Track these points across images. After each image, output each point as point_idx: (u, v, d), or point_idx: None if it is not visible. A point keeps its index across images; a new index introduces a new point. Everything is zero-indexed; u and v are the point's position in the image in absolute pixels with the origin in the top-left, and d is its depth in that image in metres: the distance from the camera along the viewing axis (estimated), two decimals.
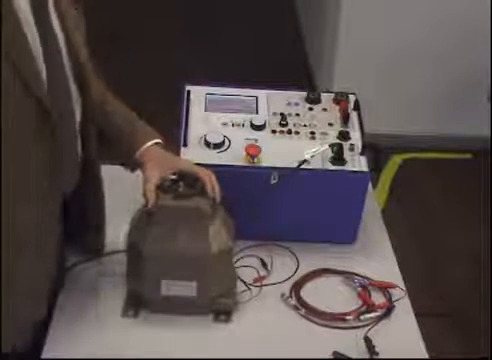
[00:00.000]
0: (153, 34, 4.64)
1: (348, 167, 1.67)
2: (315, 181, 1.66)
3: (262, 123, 1.73)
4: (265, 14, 5.00)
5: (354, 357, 1.49)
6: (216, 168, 1.62)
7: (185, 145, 1.68)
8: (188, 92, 1.81)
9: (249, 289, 1.62)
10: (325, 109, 1.80)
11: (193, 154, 1.66)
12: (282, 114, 1.77)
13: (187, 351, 1.49)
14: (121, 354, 1.47)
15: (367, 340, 1.52)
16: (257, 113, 1.78)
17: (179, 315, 1.55)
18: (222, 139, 1.68)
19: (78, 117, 1.40)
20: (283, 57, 4.47)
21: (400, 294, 1.64)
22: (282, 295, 1.62)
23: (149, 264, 1.49)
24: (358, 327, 1.56)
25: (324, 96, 1.83)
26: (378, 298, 1.63)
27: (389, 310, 1.60)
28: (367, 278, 1.66)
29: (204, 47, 4.52)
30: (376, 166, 3.61)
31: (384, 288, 1.65)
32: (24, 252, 1.33)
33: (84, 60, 1.38)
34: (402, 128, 3.83)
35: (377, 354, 1.49)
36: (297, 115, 1.78)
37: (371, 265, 1.71)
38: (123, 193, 1.78)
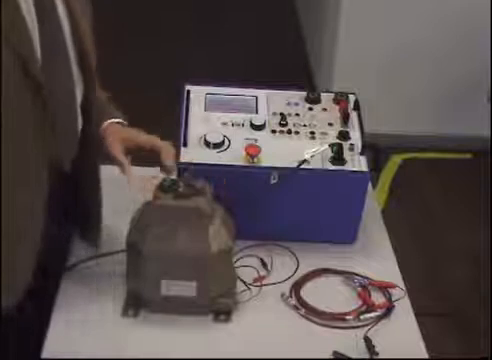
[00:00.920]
0: (153, 34, 4.64)
1: (348, 167, 1.67)
2: (315, 181, 1.66)
3: (262, 123, 1.73)
4: (265, 14, 5.00)
5: (354, 357, 1.49)
6: (216, 168, 1.63)
7: (185, 145, 1.68)
8: (188, 92, 1.81)
9: (249, 289, 1.62)
10: (325, 109, 1.80)
11: (193, 154, 1.66)
12: (282, 114, 1.77)
13: (187, 351, 1.49)
14: (121, 354, 1.47)
15: (367, 340, 1.52)
16: (257, 113, 1.78)
17: (179, 315, 1.55)
18: (222, 139, 1.68)
19: (79, 97, 1.42)
20: (283, 57, 4.47)
21: (400, 294, 1.64)
22: (282, 295, 1.62)
23: (149, 264, 1.49)
24: (358, 327, 1.56)
25: (324, 96, 1.83)
26: (378, 298, 1.63)
27: (389, 310, 1.60)
28: (367, 278, 1.66)
29: (204, 47, 4.52)
30: (376, 166, 3.61)
31: (384, 288, 1.65)
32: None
33: (88, 46, 1.40)
34: (402, 128, 3.83)
35: (377, 354, 1.49)
36: (297, 115, 1.78)
37: (371, 265, 1.71)
38: (123, 193, 1.78)
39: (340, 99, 1.81)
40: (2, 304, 1.36)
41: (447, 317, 2.90)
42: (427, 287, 2.99)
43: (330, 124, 1.76)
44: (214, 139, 1.68)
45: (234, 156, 1.66)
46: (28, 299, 1.43)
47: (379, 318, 1.58)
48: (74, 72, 1.38)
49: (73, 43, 1.36)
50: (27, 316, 1.48)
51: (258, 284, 1.63)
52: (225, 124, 1.74)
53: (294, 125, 1.75)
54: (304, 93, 1.83)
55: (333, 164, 1.67)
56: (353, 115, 1.78)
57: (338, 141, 1.71)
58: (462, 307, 2.95)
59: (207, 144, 1.68)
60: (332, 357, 1.50)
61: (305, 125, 1.75)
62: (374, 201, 1.92)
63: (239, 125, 1.74)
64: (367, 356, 1.50)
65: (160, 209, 1.47)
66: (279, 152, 1.67)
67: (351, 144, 1.71)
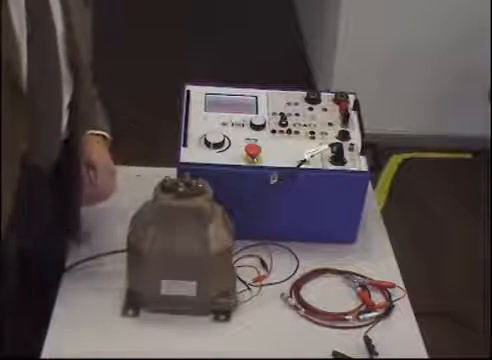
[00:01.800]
0: (154, 33, 4.64)
1: (348, 167, 1.67)
2: (315, 181, 1.66)
3: (262, 123, 1.74)
4: (265, 14, 5.00)
5: (354, 357, 1.49)
6: (216, 168, 1.63)
7: (185, 145, 1.68)
8: (188, 92, 1.81)
9: (249, 289, 1.62)
10: (325, 109, 1.80)
11: (193, 154, 1.66)
12: (282, 114, 1.77)
13: (187, 351, 1.49)
14: (121, 354, 1.47)
15: (367, 340, 1.52)
16: (257, 113, 1.78)
17: (179, 315, 1.55)
18: (222, 139, 1.68)
19: (67, 97, 1.42)
20: (283, 57, 4.47)
21: (400, 294, 1.64)
22: (282, 295, 1.62)
23: (149, 264, 1.49)
24: (358, 327, 1.56)
25: (324, 96, 1.83)
26: (378, 298, 1.63)
27: (389, 310, 1.60)
28: (367, 278, 1.66)
29: (205, 47, 4.52)
30: (376, 166, 3.61)
31: (384, 288, 1.65)
32: None
33: (82, 48, 1.41)
34: (402, 128, 3.83)
35: (377, 354, 1.49)
36: (297, 115, 1.78)
37: (371, 265, 1.71)
38: (123, 193, 1.78)
39: (340, 99, 1.81)
40: None
41: (447, 317, 2.89)
42: (427, 287, 2.99)
43: (330, 124, 1.76)
44: (214, 139, 1.68)
45: (234, 156, 1.66)
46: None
47: (379, 318, 1.58)
48: (63, 72, 1.38)
49: (65, 44, 1.36)
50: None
51: (258, 284, 1.63)
52: (225, 124, 1.74)
53: (294, 125, 1.75)
54: (304, 93, 1.83)
55: (333, 164, 1.67)
56: (353, 115, 1.78)
57: (338, 141, 1.71)
58: (462, 307, 2.95)
59: (207, 144, 1.68)
60: (332, 357, 1.50)
61: (305, 125, 1.75)
62: (374, 201, 1.92)
63: (239, 125, 1.74)
64: (367, 356, 1.50)
65: (160, 209, 1.47)
66: (279, 152, 1.67)
67: (351, 144, 1.71)
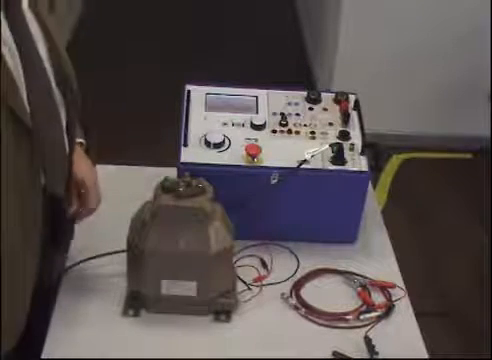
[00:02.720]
0: (154, 33, 4.64)
1: (348, 167, 1.67)
2: (315, 181, 1.66)
3: (262, 123, 1.73)
4: (266, 14, 5.00)
5: (354, 357, 1.49)
6: (216, 168, 1.63)
7: (185, 145, 1.68)
8: (188, 92, 1.81)
9: (249, 289, 1.62)
10: (325, 109, 1.80)
11: (193, 154, 1.66)
12: (282, 114, 1.77)
13: (187, 351, 1.49)
14: (121, 354, 1.47)
15: (367, 340, 1.52)
16: (257, 113, 1.78)
17: (179, 315, 1.55)
18: (222, 139, 1.68)
19: (64, 119, 1.40)
20: (283, 57, 4.47)
21: (400, 294, 1.64)
22: (282, 295, 1.62)
23: (149, 264, 1.49)
24: (358, 327, 1.56)
25: (324, 96, 1.83)
26: (378, 298, 1.63)
27: (389, 310, 1.60)
28: (367, 278, 1.66)
29: (205, 47, 4.53)
30: (376, 166, 3.61)
31: (384, 288, 1.65)
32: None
33: (68, 69, 1.40)
34: (402, 128, 3.83)
35: (377, 354, 1.49)
36: (297, 115, 1.78)
37: (371, 265, 1.71)
38: (123, 193, 1.78)
39: (340, 99, 1.81)
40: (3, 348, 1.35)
41: (447, 317, 2.89)
42: (427, 287, 2.99)
43: (330, 124, 1.76)
44: (214, 139, 1.68)
45: (234, 156, 1.66)
46: None
47: (379, 318, 1.58)
48: (56, 94, 1.37)
49: (52, 67, 1.35)
50: None
51: (258, 284, 1.63)
52: (225, 124, 1.74)
53: (294, 125, 1.75)
54: (304, 93, 1.83)
55: (333, 164, 1.67)
56: (353, 115, 1.78)
57: (338, 141, 1.71)
58: (462, 307, 2.95)
59: (207, 144, 1.68)
60: (332, 357, 1.50)
61: (305, 125, 1.75)
62: (374, 201, 1.92)
63: (239, 125, 1.74)
64: (367, 356, 1.50)
65: (160, 209, 1.47)
66: (279, 152, 1.67)
67: (351, 144, 1.71)
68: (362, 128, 1.75)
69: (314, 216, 1.71)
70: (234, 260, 1.62)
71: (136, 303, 1.56)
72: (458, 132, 3.82)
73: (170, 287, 1.51)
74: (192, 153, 1.66)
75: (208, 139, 1.68)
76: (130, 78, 4.10)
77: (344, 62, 3.70)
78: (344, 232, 1.75)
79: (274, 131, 1.73)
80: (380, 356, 1.49)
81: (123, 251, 1.56)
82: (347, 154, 1.68)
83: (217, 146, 1.68)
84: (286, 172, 1.64)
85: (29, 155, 1.29)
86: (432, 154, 3.83)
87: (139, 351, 1.48)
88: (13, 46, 1.24)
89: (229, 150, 1.68)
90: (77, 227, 1.61)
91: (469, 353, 2.72)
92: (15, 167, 1.27)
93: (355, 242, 1.77)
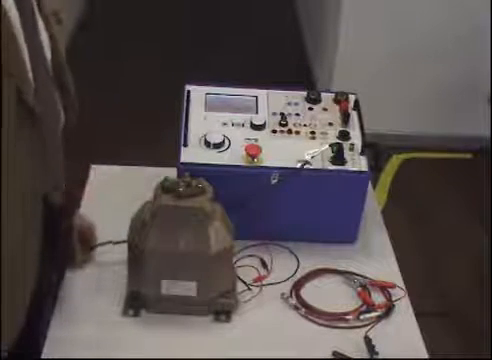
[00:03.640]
0: (154, 33, 4.65)
1: (348, 167, 1.67)
2: (315, 181, 1.66)
3: (262, 123, 1.73)
4: (265, 14, 5.00)
5: (354, 357, 1.49)
6: (216, 168, 1.63)
7: (185, 145, 1.68)
8: (188, 92, 1.81)
9: (249, 289, 1.62)
10: (325, 109, 1.80)
11: (193, 154, 1.66)
12: (282, 114, 1.77)
13: (187, 351, 1.49)
14: (121, 354, 1.47)
15: (367, 340, 1.52)
16: (257, 113, 1.78)
17: (179, 315, 1.55)
18: (222, 139, 1.68)
19: (63, 119, 1.41)
20: (283, 57, 4.47)
21: (400, 294, 1.64)
22: (282, 295, 1.62)
23: (149, 264, 1.49)
24: (358, 327, 1.56)
25: (324, 96, 1.83)
26: (378, 298, 1.63)
27: (389, 310, 1.60)
28: (367, 278, 1.66)
29: (205, 47, 4.53)
30: (376, 166, 3.61)
31: (384, 288, 1.65)
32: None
33: (64, 63, 1.40)
34: (402, 128, 3.83)
35: (377, 354, 1.49)
36: (297, 115, 1.78)
37: (371, 265, 1.71)
38: (123, 193, 1.78)
39: (340, 99, 1.81)
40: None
41: (447, 317, 2.89)
42: (427, 287, 2.99)
43: (330, 124, 1.76)
44: (214, 139, 1.68)
45: (234, 156, 1.66)
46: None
47: (379, 318, 1.58)
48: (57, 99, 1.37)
49: (53, 70, 1.35)
50: None
51: (258, 284, 1.63)
52: (225, 124, 1.74)
53: (294, 125, 1.75)
54: (304, 93, 1.83)
55: (333, 164, 1.67)
56: (353, 115, 1.78)
57: (338, 141, 1.71)
58: (462, 307, 2.95)
59: (207, 144, 1.68)
60: (332, 357, 1.50)
61: (305, 125, 1.75)
62: (374, 201, 1.92)
63: (239, 125, 1.74)
64: (367, 356, 1.50)
65: (160, 209, 1.47)
66: (279, 152, 1.67)
67: (351, 144, 1.71)
68: (362, 128, 1.75)
69: (314, 216, 1.71)
70: (234, 260, 1.62)
71: (136, 303, 1.56)
72: (458, 132, 3.82)
73: (170, 287, 1.51)
74: (192, 153, 1.66)
75: (208, 139, 1.68)
76: (130, 78, 4.10)
77: (344, 62, 3.70)
78: (344, 232, 1.75)
79: (274, 131, 1.73)
80: (380, 356, 1.49)
81: (124, 242, 1.55)
82: (347, 154, 1.68)
83: (217, 146, 1.68)
84: (286, 172, 1.64)
85: (30, 143, 1.28)
86: (432, 154, 3.83)
87: (139, 351, 1.48)
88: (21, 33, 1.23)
89: (229, 150, 1.68)
90: None
91: (469, 353, 2.72)
92: (16, 153, 1.25)
93: (355, 242, 1.77)
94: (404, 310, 1.62)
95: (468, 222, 3.38)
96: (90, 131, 2.92)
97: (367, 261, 1.73)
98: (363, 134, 1.73)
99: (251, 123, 1.74)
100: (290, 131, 1.73)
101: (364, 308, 1.60)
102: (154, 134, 3.51)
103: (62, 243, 1.53)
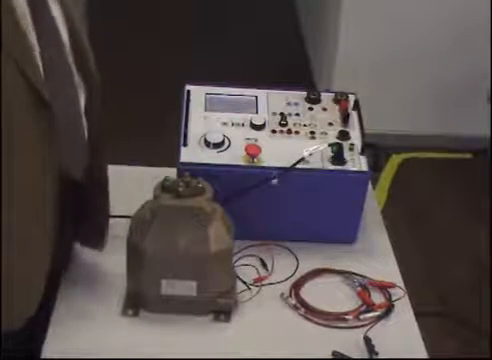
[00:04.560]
0: (154, 33, 4.64)
1: (348, 167, 1.67)
2: (315, 181, 1.66)
3: (262, 123, 1.73)
4: (265, 14, 5.00)
5: (354, 357, 1.49)
6: (216, 168, 1.63)
7: (185, 145, 1.68)
8: (188, 92, 1.81)
9: (249, 289, 1.62)
10: (325, 109, 1.80)
11: (193, 154, 1.66)
12: (282, 114, 1.77)
13: (187, 351, 1.49)
14: (121, 354, 1.47)
15: (367, 340, 1.52)
16: (257, 113, 1.78)
17: (179, 315, 1.55)
18: (222, 139, 1.68)
19: (82, 102, 1.39)
20: (283, 57, 4.47)
21: (400, 294, 1.64)
22: (282, 295, 1.62)
23: (149, 264, 1.49)
24: (358, 327, 1.56)
25: (324, 96, 1.83)
26: (378, 298, 1.63)
27: (389, 310, 1.60)
28: (367, 278, 1.66)
29: (205, 47, 4.53)
30: (376, 166, 3.61)
31: (384, 288, 1.65)
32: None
33: (88, 52, 1.38)
34: (402, 128, 3.83)
35: (377, 354, 1.49)
36: (297, 115, 1.78)
37: (371, 265, 1.71)
38: (123, 193, 1.78)
39: (340, 99, 1.81)
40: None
41: (447, 317, 2.90)
42: (427, 287, 2.99)
43: (330, 124, 1.76)
44: (214, 139, 1.68)
45: (234, 156, 1.66)
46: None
47: (379, 318, 1.58)
48: (75, 79, 1.36)
49: (72, 50, 1.34)
50: None
51: (258, 284, 1.63)
52: (225, 124, 1.74)
53: (294, 125, 1.75)
54: (304, 93, 1.83)
55: (333, 164, 1.67)
56: (353, 115, 1.78)
57: (338, 141, 1.71)
58: (462, 307, 2.95)
59: (207, 144, 1.68)
60: (332, 357, 1.50)
61: (305, 125, 1.75)
62: (374, 201, 1.91)
63: (239, 125, 1.74)
64: (367, 356, 1.50)
65: (160, 209, 1.47)
66: (279, 152, 1.67)
67: (351, 144, 1.71)
68: (362, 128, 1.75)
69: (314, 216, 1.71)
70: (234, 260, 1.62)
71: (136, 303, 1.56)
72: (458, 132, 3.82)
73: (170, 287, 1.51)
74: (192, 153, 1.66)
75: (208, 139, 1.68)
76: (130, 78, 4.10)
77: (344, 62, 3.70)
78: (344, 232, 1.75)
79: (274, 131, 1.73)
80: (380, 356, 1.49)
81: (128, 217, 1.54)
82: (347, 154, 1.68)
83: (217, 146, 1.68)
84: (286, 172, 1.64)
85: (45, 130, 1.26)
86: (432, 154, 3.83)
87: (139, 351, 1.48)
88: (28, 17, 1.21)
89: (229, 150, 1.68)
90: None
91: (469, 353, 2.73)
92: (31, 140, 1.25)
93: (355, 242, 1.77)
94: (404, 310, 1.62)
95: (468, 222, 3.38)
96: None
97: (367, 261, 1.72)
98: (363, 134, 1.73)
99: (251, 123, 1.74)
100: (290, 131, 1.74)
101: (364, 308, 1.60)
102: (154, 134, 3.51)
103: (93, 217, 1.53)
